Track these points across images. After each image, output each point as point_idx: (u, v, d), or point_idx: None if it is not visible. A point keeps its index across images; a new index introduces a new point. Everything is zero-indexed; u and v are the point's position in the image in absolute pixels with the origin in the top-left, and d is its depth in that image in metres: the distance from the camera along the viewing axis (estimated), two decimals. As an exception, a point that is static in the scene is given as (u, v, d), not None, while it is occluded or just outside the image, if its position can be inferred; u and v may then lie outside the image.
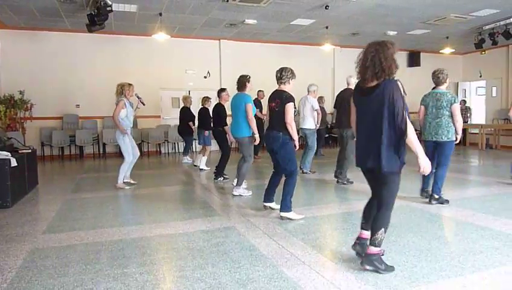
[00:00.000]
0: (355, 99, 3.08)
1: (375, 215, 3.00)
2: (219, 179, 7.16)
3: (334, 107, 7.39)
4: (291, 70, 4.63)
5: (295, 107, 4.74)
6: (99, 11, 8.37)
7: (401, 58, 15.50)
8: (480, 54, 14.54)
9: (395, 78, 2.84)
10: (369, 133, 2.91)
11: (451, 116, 5.00)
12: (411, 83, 15.44)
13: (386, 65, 2.77)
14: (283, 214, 4.48)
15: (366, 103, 2.93)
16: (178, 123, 9.95)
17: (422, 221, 4.38)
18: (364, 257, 2.98)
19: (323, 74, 13.90)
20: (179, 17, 10.12)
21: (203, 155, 8.67)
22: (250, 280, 2.86)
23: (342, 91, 6.89)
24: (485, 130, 12.84)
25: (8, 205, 5.23)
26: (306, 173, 7.73)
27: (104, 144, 11.48)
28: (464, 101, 14.54)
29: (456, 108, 4.99)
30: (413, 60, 15.33)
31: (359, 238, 3.22)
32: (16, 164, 5.42)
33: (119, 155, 11.54)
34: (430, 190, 5.18)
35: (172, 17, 10.08)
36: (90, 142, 11.27)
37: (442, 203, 5.07)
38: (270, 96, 4.77)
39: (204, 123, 8.50)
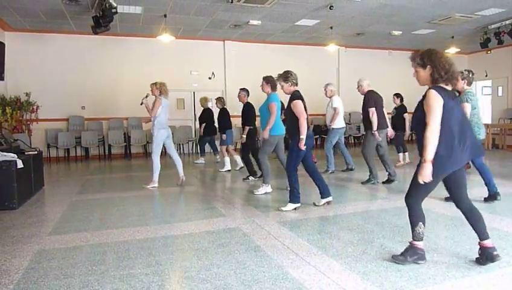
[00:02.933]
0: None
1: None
2: (251, 178, 7.18)
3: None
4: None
5: None
6: (105, 13, 8.41)
7: (406, 58, 15.36)
8: (486, 53, 14.45)
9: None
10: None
11: None
12: (416, 83, 15.39)
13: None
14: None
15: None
16: (184, 124, 10.04)
17: (428, 221, 4.33)
18: None
19: (327, 74, 13.85)
20: (184, 18, 10.15)
21: (232, 155, 8.79)
22: (256, 281, 2.86)
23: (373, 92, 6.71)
24: (491, 130, 12.74)
25: (15, 206, 5.27)
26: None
27: (109, 146, 11.53)
28: None
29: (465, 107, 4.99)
30: (419, 59, 15.24)
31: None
32: (22, 166, 5.45)
33: (124, 156, 11.67)
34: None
35: (177, 18, 10.10)
36: (96, 144, 11.33)
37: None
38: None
39: (224, 124, 8.63)
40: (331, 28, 11.30)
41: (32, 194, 6.13)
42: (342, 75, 14.19)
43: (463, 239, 3.75)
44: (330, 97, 7.86)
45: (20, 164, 5.38)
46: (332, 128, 7.75)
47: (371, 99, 6.46)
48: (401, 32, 12.13)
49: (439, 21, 10.88)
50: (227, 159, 8.66)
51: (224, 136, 8.65)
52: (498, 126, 13.29)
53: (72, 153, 11.27)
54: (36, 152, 6.68)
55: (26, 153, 6.36)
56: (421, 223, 3.06)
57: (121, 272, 3.08)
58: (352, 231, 4.08)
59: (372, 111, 6.35)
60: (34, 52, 11.08)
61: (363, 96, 6.70)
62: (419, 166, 2.87)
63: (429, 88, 2.90)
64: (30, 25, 10.47)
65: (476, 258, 3.10)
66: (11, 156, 5.40)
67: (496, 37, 11.63)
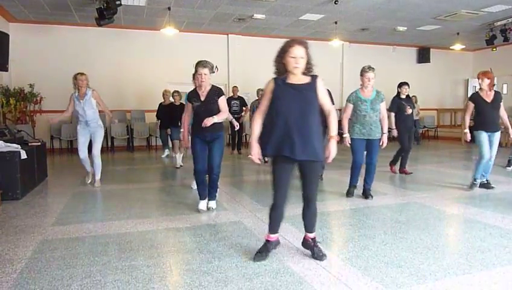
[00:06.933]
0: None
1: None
2: None
3: None
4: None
5: None
6: (109, 4, 8.42)
7: (410, 54, 15.40)
8: (491, 50, 14.36)
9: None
10: None
11: None
12: (421, 79, 15.38)
13: None
14: None
15: None
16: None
17: (430, 218, 4.35)
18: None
19: (331, 69, 13.83)
20: (188, 11, 10.12)
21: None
22: (257, 274, 2.87)
23: None
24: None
25: (18, 197, 5.29)
26: None
27: (112, 138, 11.54)
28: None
29: None
30: (423, 56, 15.20)
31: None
32: (26, 157, 5.48)
33: (127, 148, 11.71)
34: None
35: (181, 11, 10.08)
36: (99, 136, 11.33)
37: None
38: None
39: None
40: (336, 23, 11.25)
41: (36, 185, 6.16)
42: (345, 71, 14.14)
43: (464, 237, 3.75)
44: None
45: (23, 155, 5.41)
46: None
47: None
48: (406, 28, 12.06)
49: (445, 17, 10.80)
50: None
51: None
52: (502, 124, 13.19)
53: (76, 144, 11.27)
54: (40, 143, 6.71)
55: (29, 144, 6.39)
56: None
57: (123, 263, 3.10)
58: (354, 226, 4.08)
59: None
60: (38, 44, 11.08)
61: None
62: None
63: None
64: (34, 16, 10.46)
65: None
66: (15, 146, 5.43)
67: (501, 34, 11.56)
